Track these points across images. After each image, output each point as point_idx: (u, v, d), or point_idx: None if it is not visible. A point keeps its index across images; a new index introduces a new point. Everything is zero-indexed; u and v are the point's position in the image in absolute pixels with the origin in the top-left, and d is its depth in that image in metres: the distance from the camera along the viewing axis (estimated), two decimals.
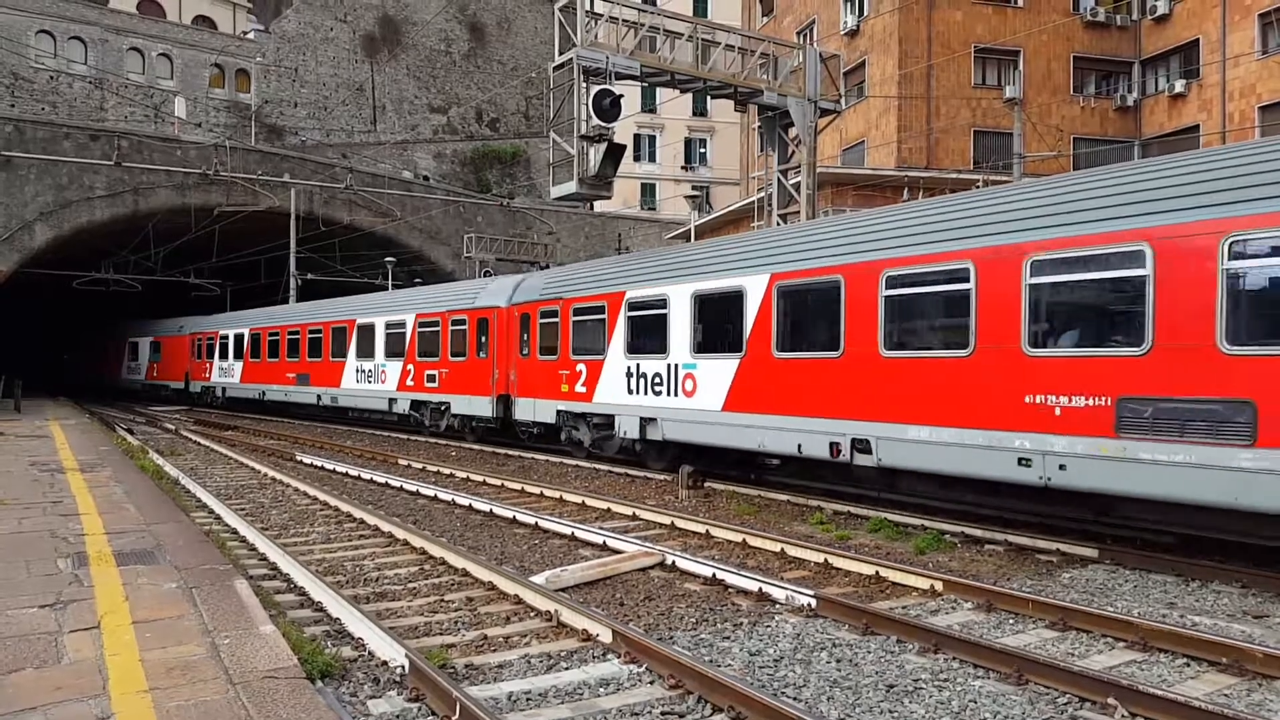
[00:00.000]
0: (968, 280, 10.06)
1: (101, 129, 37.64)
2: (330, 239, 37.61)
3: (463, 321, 21.24)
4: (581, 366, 16.96)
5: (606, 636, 6.44)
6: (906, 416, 10.64)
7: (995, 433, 9.71)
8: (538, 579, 8.08)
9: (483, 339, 20.49)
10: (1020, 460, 9.48)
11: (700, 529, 10.71)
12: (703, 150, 59.75)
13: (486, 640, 6.63)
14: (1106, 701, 5.30)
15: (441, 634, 6.81)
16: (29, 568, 7.27)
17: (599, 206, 46.94)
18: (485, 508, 12.26)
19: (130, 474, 13.70)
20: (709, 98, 24.57)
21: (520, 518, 11.48)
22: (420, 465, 17.32)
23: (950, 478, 10.75)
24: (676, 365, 14.43)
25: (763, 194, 21.61)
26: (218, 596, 6.44)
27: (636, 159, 56.10)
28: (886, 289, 11.01)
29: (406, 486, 14.42)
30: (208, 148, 36.57)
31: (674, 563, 8.93)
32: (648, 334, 15.21)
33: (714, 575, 8.40)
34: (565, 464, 17.43)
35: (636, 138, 55.71)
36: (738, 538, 10.15)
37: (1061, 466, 9.11)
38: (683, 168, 58.87)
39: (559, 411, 17.67)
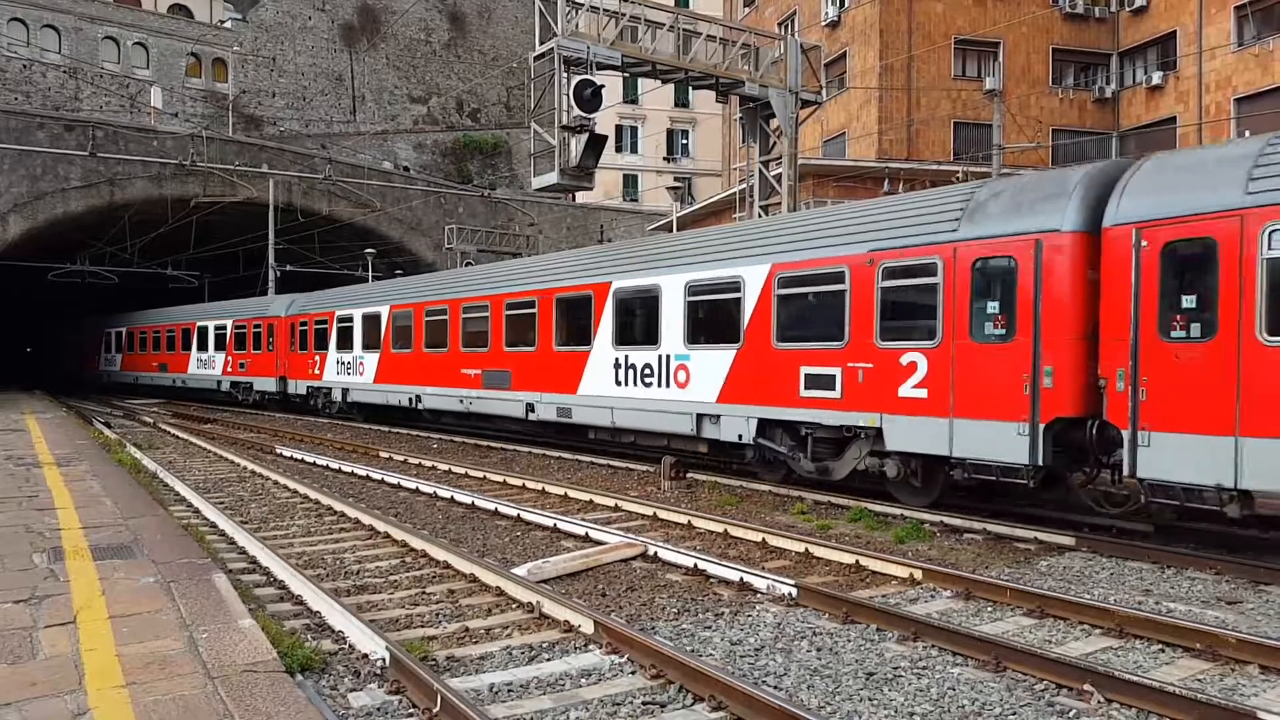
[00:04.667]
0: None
1: (76, 119, 37.17)
2: (310, 230, 37.31)
3: (259, 325, 30.77)
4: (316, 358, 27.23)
5: (588, 627, 6.44)
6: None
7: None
8: (520, 571, 8.08)
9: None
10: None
11: (682, 520, 10.73)
12: (685, 141, 59.69)
13: (468, 632, 6.62)
14: (1083, 688, 5.36)
15: (423, 626, 6.79)
16: (3, 563, 7.18)
17: (581, 197, 46.83)
18: (467, 500, 12.23)
19: (107, 468, 13.57)
20: (691, 89, 24.55)
21: (502, 510, 11.46)
22: (402, 458, 17.27)
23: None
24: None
25: (744, 185, 21.64)
26: (196, 590, 6.39)
27: (618, 150, 55.98)
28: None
29: (388, 479, 14.36)
30: (184, 138, 36.17)
31: (656, 553, 8.95)
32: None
33: (696, 565, 8.42)
34: (548, 456, 17.44)
35: (618, 129, 55.57)
36: (719, 528, 10.18)
37: None
38: (665, 159, 58.80)
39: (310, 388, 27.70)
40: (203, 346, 34.95)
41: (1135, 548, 9.10)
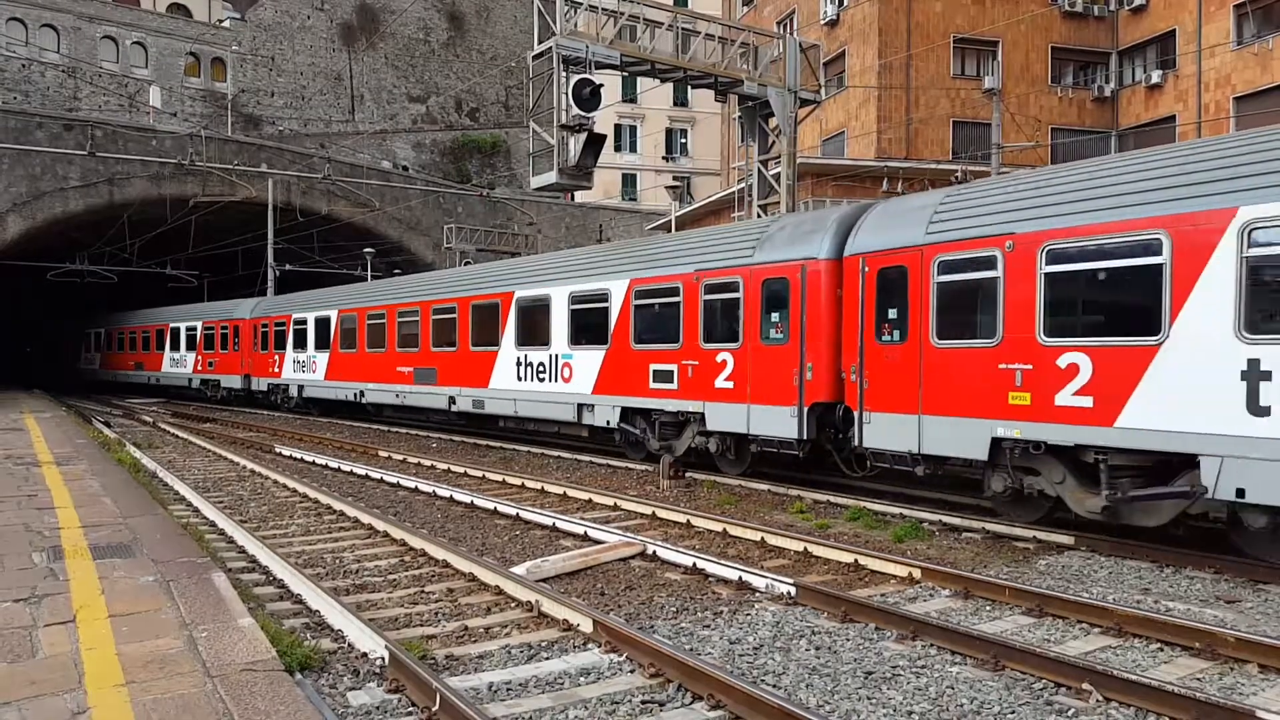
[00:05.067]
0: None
1: (75, 118, 37.10)
2: (308, 230, 37.28)
3: (225, 327, 32.97)
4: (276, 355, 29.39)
5: (587, 626, 6.45)
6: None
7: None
8: (519, 570, 8.08)
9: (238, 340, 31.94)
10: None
11: (681, 519, 10.74)
12: (684, 140, 59.65)
13: (467, 631, 6.63)
14: (1081, 687, 5.37)
15: (422, 625, 6.80)
16: (3, 562, 7.18)
17: (579, 197, 46.77)
18: (466, 499, 12.23)
19: (107, 467, 13.55)
20: (689, 88, 24.54)
21: (502, 509, 11.47)
22: (401, 457, 17.27)
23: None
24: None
25: (743, 185, 21.63)
26: (195, 590, 6.39)
27: (617, 149, 55.96)
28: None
29: (387, 478, 14.36)
30: (183, 137, 36.12)
31: (655, 552, 8.95)
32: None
33: (694, 564, 8.43)
34: (547, 455, 17.46)
35: (617, 128, 55.55)
36: (718, 527, 10.18)
37: None
38: (664, 158, 58.75)
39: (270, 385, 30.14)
40: (175, 346, 37.64)
41: (1134, 547, 9.11)
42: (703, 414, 13.74)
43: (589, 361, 16.12)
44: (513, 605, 7.25)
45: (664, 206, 44.64)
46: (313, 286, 32.50)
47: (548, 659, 6.02)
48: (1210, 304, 8.11)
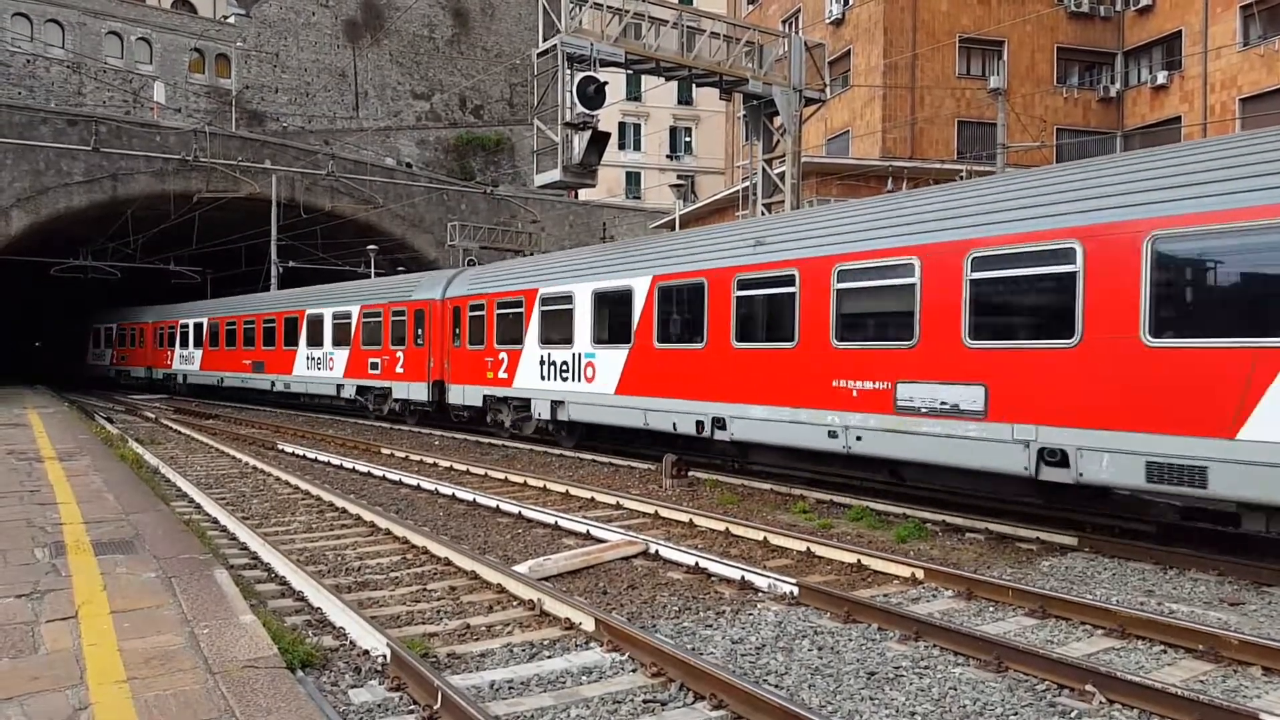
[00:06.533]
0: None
1: (79, 114, 37.10)
2: (312, 226, 37.27)
3: (134, 328, 42.27)
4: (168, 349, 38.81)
5: (589, 625, 6.44)
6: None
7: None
8: (521, 568, 8.07)
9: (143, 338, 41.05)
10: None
11: (684, 518, 10.72)
12: (688, 139, 59.59)
13: (469, 629, 6.62)
14: (1085, 688, 5.35)
15: (424, 623, 6.79)
16: (5, 557, 7.18)
17: (583, 195, 46.67)
18: (469, 497, 12.22)
19: (109, 463, 13.55)
20: (694, 86, 24.53)
21: (504, 507, 11.46)
22: (403, 454, 17.27)
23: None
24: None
25: (747, 183, 21.61)
26: (197, 586, 6.38)
27: (621, 147, 55.88)
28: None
29: (389, 476, 14.36)
30: (187, 133, 36.12)
31: (657, 551, 8.94)
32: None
33: (697, 564, 8.41)
34: (550, 454, 17.45)
35: (621, 126, 55.47)
36: (721, 526, 10.17)
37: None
38: (668, 156, 58.69)
39: (164, 374, 38.97)
40: (97, 344, 47.00)
41: (1137, 548, 9.09)
42: (391, 389, 23.02)
43: (342, 357, 25.27)
44: (515, 604, 7.24)
45: (668, 205, 44.61)
46: (315, 283, 32.56)
47: (550, 658, 6.01)
48: (534, 330, 17.26)
